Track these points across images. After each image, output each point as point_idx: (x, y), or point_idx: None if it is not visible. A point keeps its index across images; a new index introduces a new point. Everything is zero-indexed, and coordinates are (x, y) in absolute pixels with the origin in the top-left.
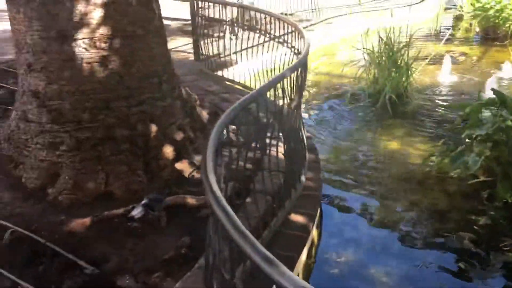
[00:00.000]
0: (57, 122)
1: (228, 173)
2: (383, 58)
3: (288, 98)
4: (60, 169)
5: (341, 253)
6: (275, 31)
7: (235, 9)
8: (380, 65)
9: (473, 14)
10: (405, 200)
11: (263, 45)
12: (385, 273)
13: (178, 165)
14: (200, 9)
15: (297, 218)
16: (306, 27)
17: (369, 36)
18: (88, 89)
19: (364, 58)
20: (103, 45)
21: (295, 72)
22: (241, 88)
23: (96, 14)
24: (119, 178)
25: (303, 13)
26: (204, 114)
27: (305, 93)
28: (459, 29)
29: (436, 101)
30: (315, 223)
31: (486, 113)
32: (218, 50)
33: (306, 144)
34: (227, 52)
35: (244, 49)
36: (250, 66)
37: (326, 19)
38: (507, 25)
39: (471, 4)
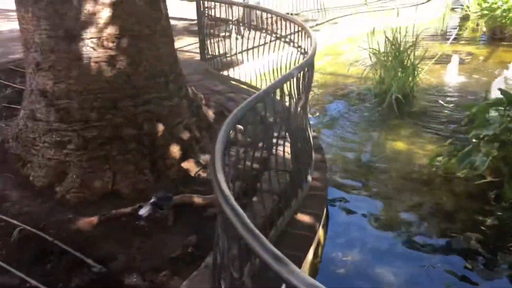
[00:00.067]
0: (65, 121)
1: (235, 173)
2: (390, 58)
3: (295, 98)
4: (67, 167)
5: (346, 253)
6: (281, 31)
7: (241, 9)
8: (386, 65)
9: (480, 14)
10: (411, 201)
11: (269, 45)
12: (392, 273)
13: (185, 165)
14: (206, 9)
15: (304, 218)
16: (312, 27)
17: (375, 36)
18: (95, 88)
19: (370, 58)
20: (110, 44)
21: (303, 71)
22: (246, 88)
23: (104, 14)
24: (126, 177)
25: (308, 13)
26: (210, 114)
27: (311, 92)
28: (466, 29)
29: (443, 101)
30: (321, 223)
31: (493, 113)
32: (224, 49)
33: (312, 144)
34: (233, 52)
35: (250, 48)
36: (256, 65)
37: (331, 19)
38: None
39: (478, 4)
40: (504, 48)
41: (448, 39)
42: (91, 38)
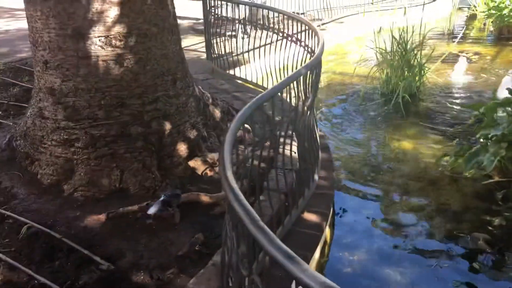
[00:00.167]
0: (73, 119)
1: (243, 171)
2: (396, 57)
3: (302, 97)
4: (75, 165)
5: (353, 252)
6: (287, 30)
7: (247, 8)
8: (393, 65)
9: (487, 13)
10: (418, 200)
11: (275, 44)
12: (398, 273)
13: (191, 163)
14: (212, 8)
15: (311, 216)
16: (318, 26)
17: (382, 35)
18: (103, 86)
19: (377, 57)
20: (118, 43)
21: (310, 70)
22: (253, 87)
23: (112, 13)
24: (133, 175)
25: (314, 12)
26: (217, 112)
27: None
28: (473, 28)
29: (450, 100)
30: (328, 222)
31: (502, 113)
32: (230, 48)
33: (319, 143)
34: (239, 51)
35: (256, 47)
36: (262, 64)
37: (337, 18)
38: None
39: (485, 3)
40: (511, 47)
41: (455, 38)
42: (99, 36)
